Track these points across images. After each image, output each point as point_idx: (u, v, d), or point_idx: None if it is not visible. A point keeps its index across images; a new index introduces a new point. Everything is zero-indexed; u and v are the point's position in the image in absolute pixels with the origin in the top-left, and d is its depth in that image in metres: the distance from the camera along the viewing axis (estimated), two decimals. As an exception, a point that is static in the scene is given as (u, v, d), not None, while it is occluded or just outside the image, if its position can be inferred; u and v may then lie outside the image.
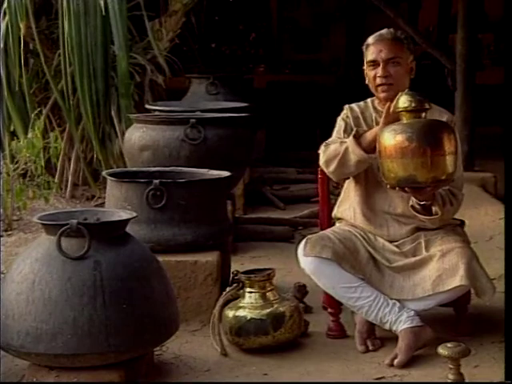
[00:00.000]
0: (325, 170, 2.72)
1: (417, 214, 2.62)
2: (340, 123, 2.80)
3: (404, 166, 2.41)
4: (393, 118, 2.52)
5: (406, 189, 2.48)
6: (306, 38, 9.08)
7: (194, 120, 3.47)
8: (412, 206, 2.62)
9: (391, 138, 2.43)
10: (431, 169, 2.40)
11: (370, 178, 2.75)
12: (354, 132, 2.64)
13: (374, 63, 2.69)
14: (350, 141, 2.62)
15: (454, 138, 2.47)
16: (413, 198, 2.60)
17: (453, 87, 5.42)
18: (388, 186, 2.55)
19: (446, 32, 8.22)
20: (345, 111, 2.82)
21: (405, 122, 2.48)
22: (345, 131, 2.76)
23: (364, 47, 2.75)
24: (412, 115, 2.47)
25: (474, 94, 5.38)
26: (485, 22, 8.21)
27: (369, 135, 2.62)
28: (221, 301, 2.74)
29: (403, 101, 2.49)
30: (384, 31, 2.73)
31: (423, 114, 2.50)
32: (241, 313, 2.68)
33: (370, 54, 2.71)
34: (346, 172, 2.68)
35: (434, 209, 2.60)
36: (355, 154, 2.60)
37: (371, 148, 2.57)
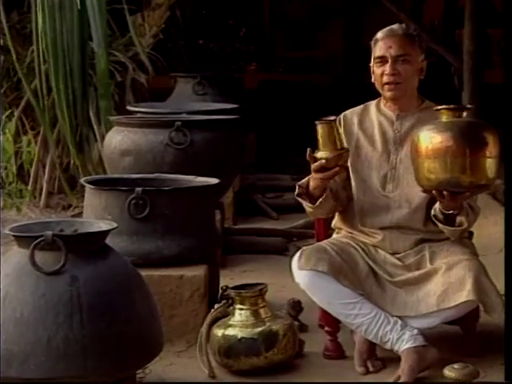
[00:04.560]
0: None
1: (439, 225, 2.64)
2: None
3: (448, 167, 2.43)
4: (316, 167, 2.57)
5: (444, 192, 2.50)
6: (300, 34, 9.10)
7: (179, 123, 3.48)
8: (434, 216, 2.64)
9: (434, 137, 2.46)
10: (476, 171, 2.44)
11: (369, 188, 2.76)
12: (296, 191, 2.71)
13: (382, 59, 2.72)
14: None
15: (498, 140, 2.49)
16: (436, 207, 2.61)
17: (459, 87, 5.45)
18: (422, 189, 2.57)
19: (452, 27, 8.26)
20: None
21: (445, 120, 2.51)
22: None
23: (372, 42, 2.78)
24: (453, 113, 2.51)
25: (482, 94, 5.42)
26: (494, 15, 8.26)
27: (310, 182, 2.69)
28: (209, 319, 2.74)
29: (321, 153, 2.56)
30: (395, 26, 2.77)
31: (464, 113, 2.53)
32: (230, 332, 2.68)
33: (379, 49, 2.73)
34: (318, 215, 2.81)
35: (458, 219, 2.62)
36: (306, 207, 2.73)
37: (320, 192, 2.66)
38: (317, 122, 2.58)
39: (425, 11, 8.82)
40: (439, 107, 2.55)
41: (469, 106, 2.57)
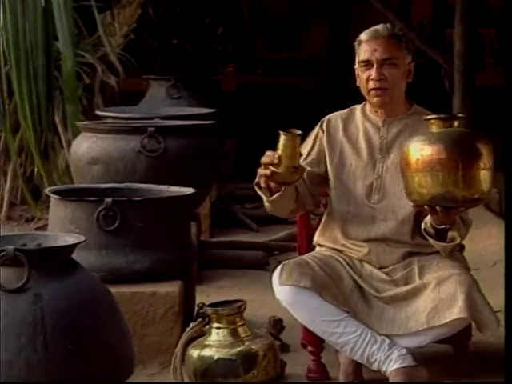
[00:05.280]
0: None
1: (429, 240, 2.65)
2: (308, 142, 2.83)
3: (441, 181, 2.44)
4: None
5: (437, 208, 2.50)
6: (282, 34, 9.13)
7: (152, 128, 3.48)
8: (425, 230, 2.65)
9: (425, 149, 2.46)
10: (470, 185, 2.44)
11: (353, 199, 2.78)
12: (256, 179, 2.67)
13: (367, 63, 2.73)
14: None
15: (492, 150, 2.51)
16: (427, 221, 2.63)
17: (450, 90, 5.49)
18: (413, 204, 2.57)
19: (442, 26, 8.33)
20: (317, 127, 2.86)
21: (436, 130, 2.52)
22: (309, 153, 2.80)
23: (356, 43, 2.78)
24: (444, 123, 2.51)
25: (474, 98, 5.47)
26: (487, 14, 8.34)
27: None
28: (183, 339, 2.74)
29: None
30: (380, 27, 2.77)
31: (456, 123, 2.54)
32: (207, 352, 2.68)
33: (363, 52, 2.74)
34: (280, 212, 2.78)
35: (450, 234, 2.64)
36: (263, 200, 2.70)
37: (278, 187, 2.63)
38: (281, 131, 2.55)
39: (413, 10, 8.88)
40: (429, 117, 2.56)
41: (460, 114, 2.57)
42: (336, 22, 8.51)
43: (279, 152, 2.54)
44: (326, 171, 2.82)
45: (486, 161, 2.46)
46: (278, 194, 2.64)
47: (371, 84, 2.72)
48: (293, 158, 2.55)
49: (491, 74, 7.67)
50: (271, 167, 2.54)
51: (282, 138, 2.55)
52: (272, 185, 2.63)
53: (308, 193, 2.78)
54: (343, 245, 2.80)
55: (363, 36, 2.76)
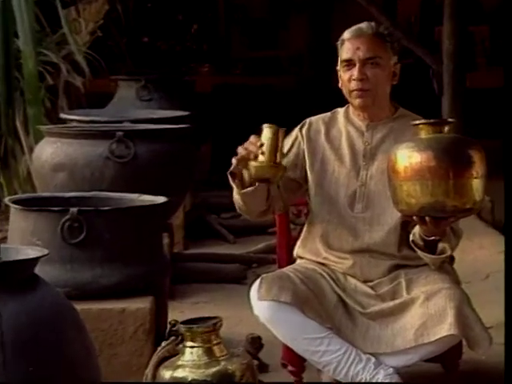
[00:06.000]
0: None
1: (418, 252, 2.67)
2: (286, 143, 2.83)
3: (430, 190, 2.44)
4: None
5: (427, 218, 2.51)
6: (260, 31, 9.17)
7: (121, 133, 3.48)
8: (413, 242, 2.67)
9: (414, 156, 2.46)
10: (461, 194, 2.44)
11: (335, 208, 2.78)
12: (230, 168, 2.67)
13: (350, 63, 2.74)
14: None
15: (485, 157, 2.52)
16: (416, 232, 2.64)
17: (439, 91, 5.54)
18: (401, 214, 2.59)
19: (430, 24, 8.40)
20: (297, 130, 2.86)
21: (425, 136, 2.52)
22: (286, 154, 2.77)
23: (339, 43, 2.80)
24: (433, 128, 2.52)
25: (464, 100, 5.51)
26: (478, 11, 8.41)
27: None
28: (155, 359, 2.73)
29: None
30: (364, 25, 2.79)
31: (446, 128, 2.56)
32: (180, 373, 2.67)
33: (346, 51, 2.75)
34: (249, 210, 2.76)
35: (440, 246, 2.65)
36: (234, 193, 2.69)
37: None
38: (264, 124, 2.57)
39: (399, 6, 8.94)
40: (417, 122, 2.57)
41: (450, 119, 2.59)
42: (317, 18, 8.56)
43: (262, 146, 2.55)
44: (303, 177, 2.83)
45: (478, 169, 2.47)
46: (251, 188, 2.64)
47: (353, 84, 2.74)
48: (275, 152, 2.56)
49: (483, 75, 7.74)
50: (252, 162, 2.54)
51: (266, 130, 2.56)
52: (246, 178, 2.63)
53: (279, 197, 2.78)
54: (325, 258, 2.81)
55: (346, 34, 2.77)
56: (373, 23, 2.81)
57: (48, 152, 3.55)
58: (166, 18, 8.95)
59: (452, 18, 5.50)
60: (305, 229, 2.90)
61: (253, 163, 2.56)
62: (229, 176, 2.67)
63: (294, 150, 2.85)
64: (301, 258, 2.89)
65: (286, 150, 2.81)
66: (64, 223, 2.87)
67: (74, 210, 2.88)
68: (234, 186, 2.68)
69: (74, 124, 3.98)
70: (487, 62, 8.47)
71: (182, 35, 9.06)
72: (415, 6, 8.88)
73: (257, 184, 2.63)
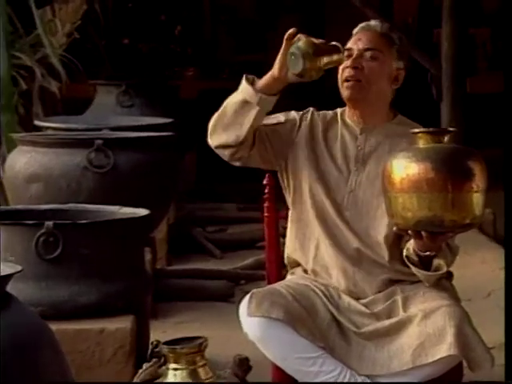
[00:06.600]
0: (210, 140, 2.82)
1: (412, 268, 2.66)
2: (279, 116, 2.82)
3: (428, 204, 2.44)
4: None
5: (423, 233, 2.51)
6: (248, 34, 9.19)
7: (100, 141, 3.48)
8: (407, 257, 2.67)
9: (411, 167, 2.46)
10: (461, 209, 2.44)
11: (321, 215, 2.77)
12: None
13: (350, 53, 2.76)
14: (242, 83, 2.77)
15: (486, 169, 2.52)
16: (410, 247, 2.64)
17: (438, 97, 5.56)
18: (396, 227, 2.58)
19: (429, 26, 8.44)
20: (297, 114, 2.84)
21: (423, 146, 2.52)
22: (277, 125, 2.79)
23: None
24: (432, 138, 2.52)
25: (464, 106, 5.54)
26: (478, 12, 8.46)
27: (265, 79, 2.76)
28: (136, 382, 2.73)
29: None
30: (373, 21, 2.84)
31: (445, 138, 2.55)
32: (162, 398, 2.67)
33: (349, 43, 2.80)
34: (233, 125, 2.76)
35: (435, 262, 2.65)
36: (243, 92, 2.76)
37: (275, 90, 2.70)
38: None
39: (396, 7, 8.98)
40: (416, 130, 2.57)
41: (451, 128, 2.60)
42: (309, 20, 8.58)
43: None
44: (279, 155, 2.79)
45: (478, 182, 2.47)
46: (275, 96, 2.67)
47: (346, 72, 2.74)
48: (323, 55, 2.57)
49: (484, 80, 7.77)
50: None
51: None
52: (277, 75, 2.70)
53: (252, 142, 2.74)
54: (313, 271, 2.80)
55: (356, 29, 2.83)
56: (385, 24, 2.84)
57: (22, 162, 3.55)
58: (147, 18, 8.96)
59: (451, 20, 5.53)
60: (288, 234, 2.87)
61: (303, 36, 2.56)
62: (244, 80, 2.79)
63: (288, 126, 2.81)
64: (291, 263, 2.87)
65: (279, 120, 2.81)
66: (39, 237, 2.86)
67: (49, 223, 2.88)
68: (250, 87, 2.75)
69: (50, 132, 3.98)
70: (488, 65, 8.51)
71: (166, 37, 9.06)
72: (413, 7, 8.90)
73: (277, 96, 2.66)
